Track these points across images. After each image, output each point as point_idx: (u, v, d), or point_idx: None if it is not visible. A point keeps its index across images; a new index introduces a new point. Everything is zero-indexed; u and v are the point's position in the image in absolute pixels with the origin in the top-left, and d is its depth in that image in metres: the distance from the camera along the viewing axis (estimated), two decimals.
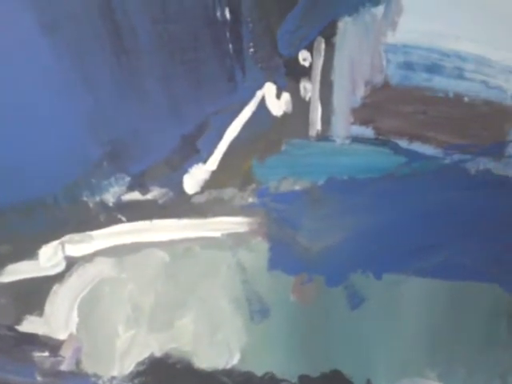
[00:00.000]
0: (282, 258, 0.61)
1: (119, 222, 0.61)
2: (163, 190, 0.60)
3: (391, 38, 0.60)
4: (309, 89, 0.60)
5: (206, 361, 0.61)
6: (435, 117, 0.61)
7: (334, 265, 0.61)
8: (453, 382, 0.63)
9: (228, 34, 0.59)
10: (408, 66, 0.60)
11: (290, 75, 0.60)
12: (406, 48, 0.60)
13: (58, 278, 0.61)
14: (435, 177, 0.61)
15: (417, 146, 0.61)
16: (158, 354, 0.61)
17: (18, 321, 0.61)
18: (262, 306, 0.61)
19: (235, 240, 0.61)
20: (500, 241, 0.62)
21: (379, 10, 0.60)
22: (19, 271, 0.61)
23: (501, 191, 0.62)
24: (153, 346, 0.61)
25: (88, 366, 0.61)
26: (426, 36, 0.60)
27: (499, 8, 0.60)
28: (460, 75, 0.61)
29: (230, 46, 0.59)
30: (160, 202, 0.60)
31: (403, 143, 0.61)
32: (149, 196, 0.60)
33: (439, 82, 0.61)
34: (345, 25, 0.60)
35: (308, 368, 0.62)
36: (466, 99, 0.61)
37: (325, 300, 0.62)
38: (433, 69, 0.61)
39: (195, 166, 0.60)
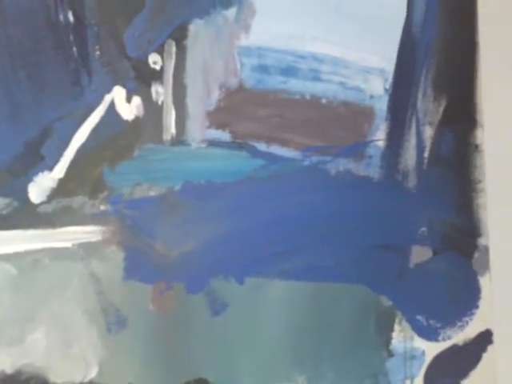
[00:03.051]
0: (139, 266, 0.62)
1: None
2: (6, 200, 0.60)
3: (245, 40, 0.62)
4: (161, 92, 0.61)
5: (61, 376, 0.61)
6: (292, 119, 0.63)
7: (193, 271, 0.62)
8: None
9: (72, 37, 0.59)
10: (263, 68, 0.62)
11: (140, 78, 0.61)
12: (260, 50, 0.62)
13: None
14: (294, 179, 0.63)
15: (274, 149, 0.63)
16: (9, 370, 0.60)
17: None
18: (118, 317, 0.61)
19: (87, 250, 0.61)
20: (363, 242, 0.65)
21: (231, 12, 0.61)
22: None
23: (362, 191, 0.64)
24: (3, 362, 0.60)
25: None
26: (280, 38, 0.62)
27: (353, 9, 0.62)
28: (316, 77, 0.63)
29: (75, 49, 0.59)
30: (3, 212, 0.59)
31: (261, 146, 0.63)
32: None
33: (295, 85, 0.63)
34: (196, 27, 0.61)
35: (171, 378, 0.63)
36: (323, 101, 0.63)
37: (186, 308, 0.62)
38: (288, 71, 0.62)
39: (40, 173, 0.60)
